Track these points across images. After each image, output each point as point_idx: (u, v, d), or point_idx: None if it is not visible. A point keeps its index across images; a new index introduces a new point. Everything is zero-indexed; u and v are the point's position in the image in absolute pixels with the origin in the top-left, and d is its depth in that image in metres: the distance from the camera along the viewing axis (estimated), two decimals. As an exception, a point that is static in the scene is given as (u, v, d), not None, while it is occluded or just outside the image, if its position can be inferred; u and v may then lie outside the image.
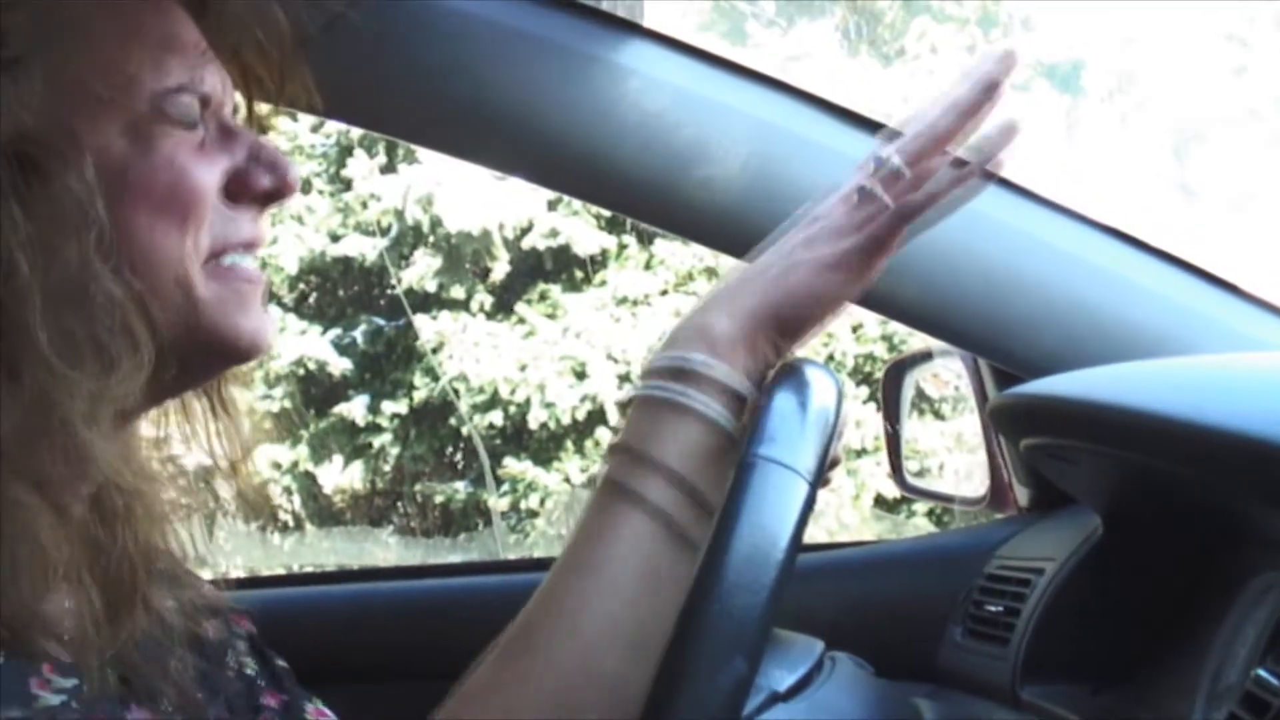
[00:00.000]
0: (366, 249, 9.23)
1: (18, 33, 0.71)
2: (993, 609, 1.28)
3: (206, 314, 0.76)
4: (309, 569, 8.51)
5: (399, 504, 9.71)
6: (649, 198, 1.21)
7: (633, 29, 1.18)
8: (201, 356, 0.78)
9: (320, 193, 9.34)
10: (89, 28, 0.74)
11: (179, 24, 0.78)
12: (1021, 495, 1.44)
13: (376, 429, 9.14)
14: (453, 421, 9.14)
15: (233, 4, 0.81)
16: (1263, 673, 0.75)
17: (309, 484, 9.20)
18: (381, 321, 9.29)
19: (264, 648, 0.90)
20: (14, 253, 0.67)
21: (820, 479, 0.76)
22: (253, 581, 1.78)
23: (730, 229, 1.21)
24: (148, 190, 0.74)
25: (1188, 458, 0.84)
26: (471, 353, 8.96)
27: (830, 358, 8.53)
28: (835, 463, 0.85)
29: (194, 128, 0.77)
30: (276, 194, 0.81)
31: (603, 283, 9.19)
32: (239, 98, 0.86)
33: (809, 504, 0.74)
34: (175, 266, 0.75)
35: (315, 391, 8.94)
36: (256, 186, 0.80)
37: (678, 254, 8.99)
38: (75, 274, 0.69)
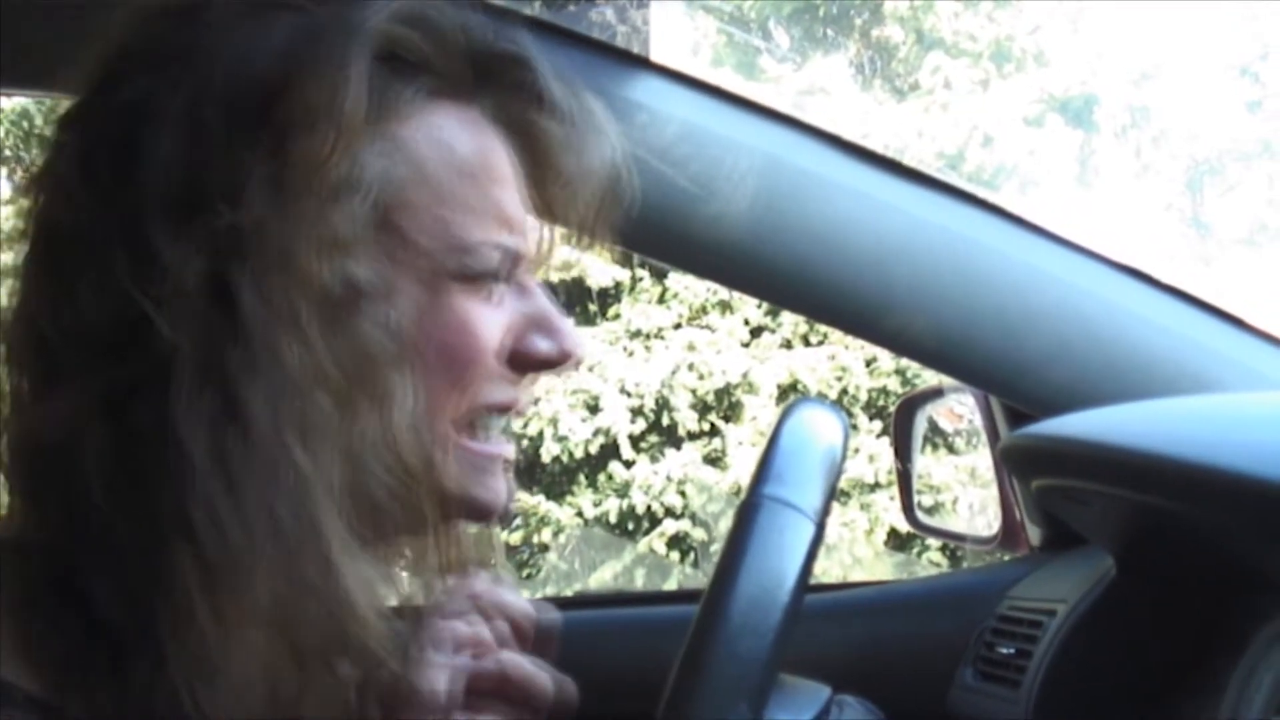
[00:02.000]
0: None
1: (367, 164, 0.69)
2: (1004, 651, 1.26)
3: (444, 476, 0.73)
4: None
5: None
6: (657, 234, 1.21)
7: (640, 63, 1.18)
8: (430, 508, 0.73)
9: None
10: (425, 168, 0.72)
11: (508, 183, 0.76)
12: (1034, 535, 1.42)
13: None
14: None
15: (573, 181, 0.79)
16: (1280, 722, 0.73)
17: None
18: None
19: None
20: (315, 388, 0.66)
21: (826, 516, 0.75)
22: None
23: (740, 265, 1.21)
24: (432, 342, 0.71)
25: (1200, 500, 0.83)
26: (484, 385, 8.95)
27: (844, 391, 8.52)
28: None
29: (494, 282, 0.75)
30: (552, 364, 0.78)
31: (616, 316, 9.20)
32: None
33: (815, 544, 0.72)
34: (433, 422, 0.72)
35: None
36: (534, 354, 0.77)
37: (691, 287, 9.00)
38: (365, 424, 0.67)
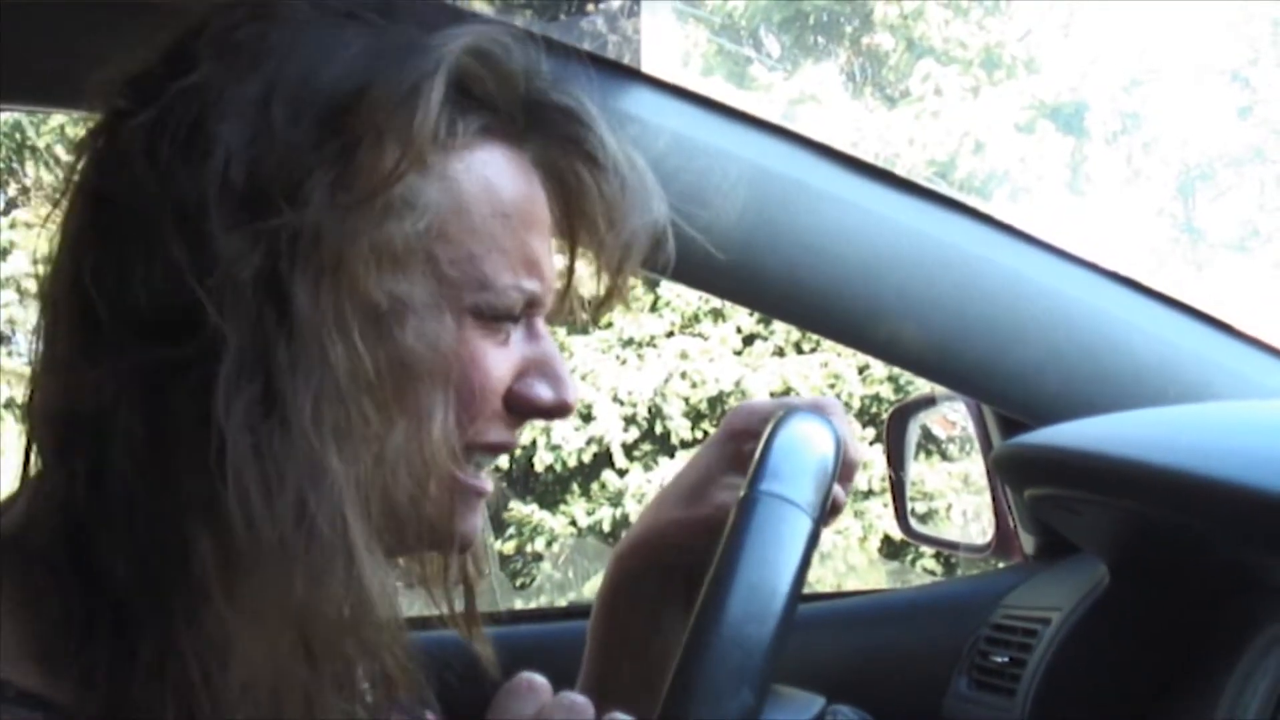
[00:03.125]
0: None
1: (425, 188, 0.70)
2: (999, 659, 1.26)
3: (430, 506, 0.73)
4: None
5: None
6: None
7: (630, 74, 1.18)
8: (411, 535, 0.75)
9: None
10: (467, 202, 0.73)
11: (542, 228, 0.77)
12: (1027, 543, 1.42)
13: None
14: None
15: (606, 238, 0.80)
16: (1274, 730, 0.73)
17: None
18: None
19: None
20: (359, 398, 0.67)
21: (823, 515, 0.76)
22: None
23: (731, 275, 1.21)
24: (443, 372, 0.72)
25: (1193, 508, 0.83)
26: (477, 395, 8.95)
27: (837, 399, 8.52)
28: (838, 508, 0.84)
29: (510, 324, 0.76)
30: (548, 412, 0.78)
31: (609, 324, 9.20)
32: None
33: (813, 538, 0.73)
34: (449, 450, 0.72)
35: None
36: (535, 400, 0.77)
37: (683, 295, 9.00)
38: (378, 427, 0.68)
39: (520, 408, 0.77)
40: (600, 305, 0.86)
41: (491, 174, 0.74)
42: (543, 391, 0.77)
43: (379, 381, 0.68)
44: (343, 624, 0.67)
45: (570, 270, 0.84)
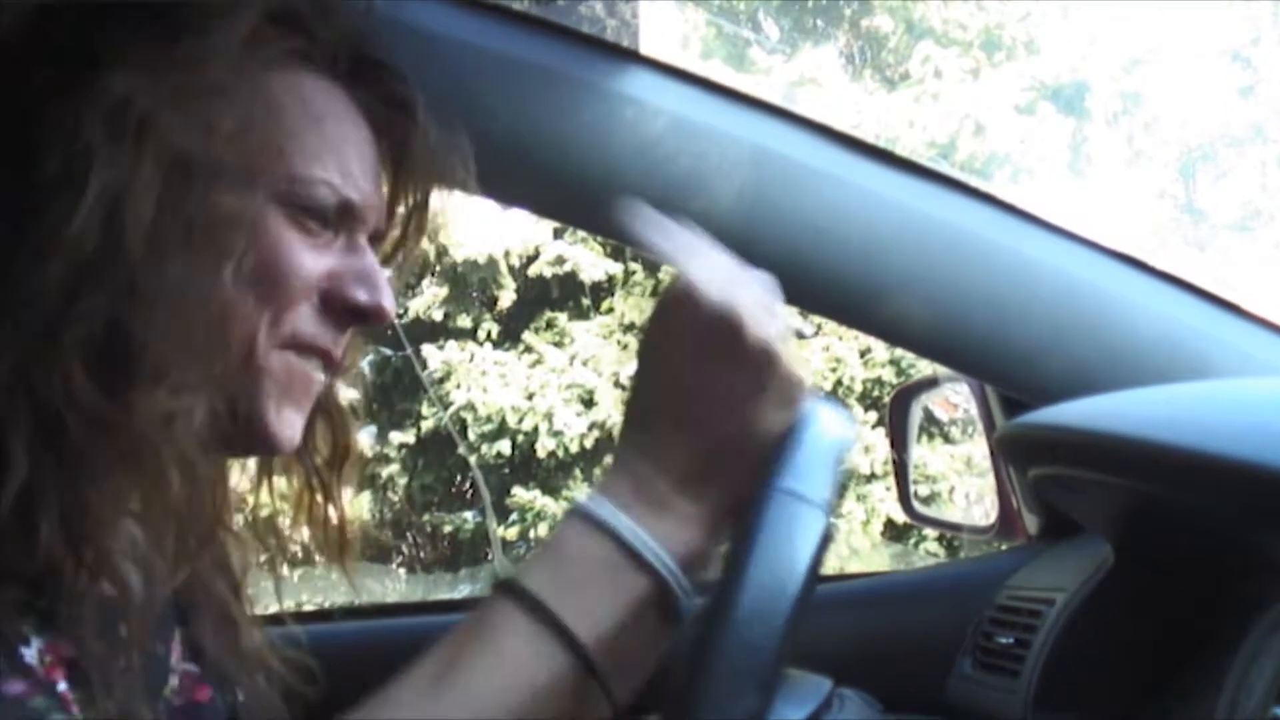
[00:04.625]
0: (373, 279, 9.23)
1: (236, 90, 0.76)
2: (1003, 640, 1.26)
3: (251, 391, 0.78)
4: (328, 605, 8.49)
5: (408, 534, 9.69)
6: (648, 227, 1.20)
7: (629, 56, 1.17)
8: (229, 431, 0.78)
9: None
10: (280, 109, 0.79)
11: (355, 145, 0.83)
12: (1031, 523, 1.42)
13: (384, 459, 9.13)
14: (461, 450, 9.14)
15: (421, 163, 0.88)
16: (1280, 710, 0.73)
17: (317, 515, 9.18)
18: (389, 351, 9.31)
19: None
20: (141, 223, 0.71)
21: (834, 511, 0.75)
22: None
23: (732, 258, 1.20)
24: (250, 256, 0.76)
25: (1197, 486, 0.83)
26: (479, 381, 8.95)
27: (839, 382, 8.52)
28: None
29: (322, 223, 0.80)
30: (365, 314, 0.82)
31: (610, 310, 9.20)
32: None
33: (826, 536, 0.73)
34: (249, 332, 0.77)
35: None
36: (350, 298, 0.81)
37: (684, 280, 8.98)
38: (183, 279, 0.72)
39: (334, 305, 0.81)
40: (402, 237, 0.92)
41: (305, 90, 0.81)
42: (359, 293, 0.82)
43: (183, 237, 0.72)
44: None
45: (391, 203, 0.89)
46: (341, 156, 0.81)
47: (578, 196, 1.19)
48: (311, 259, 0.79)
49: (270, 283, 0.77)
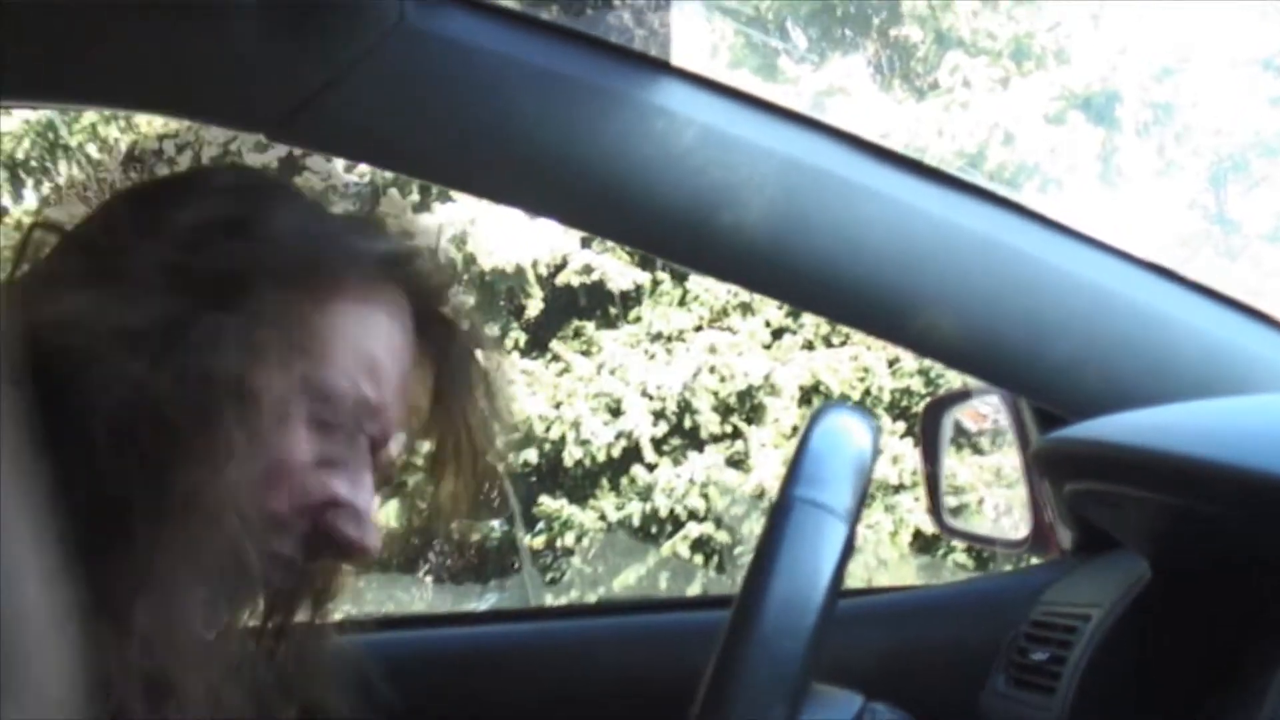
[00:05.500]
0: (401, 288, 9.26)
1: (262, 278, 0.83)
2: (1037, 657, 1.25)
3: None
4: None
5: (434, 542, 9.70)
6: (678, 238, 1.20)
7: (659, 66, 1.16)
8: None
9: (355, 233, 9.40)
10: (326, 312, 0.87)
11: (392, 355, 0.92)
12: (1065, 538, 1.41)
13: (411, 467, 9.14)
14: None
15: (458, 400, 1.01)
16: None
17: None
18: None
19: None
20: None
21: (858, 520, 0.74)
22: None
23: (761, 268, 1.20)
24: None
25: (1236, 502, 0.82)
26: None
27: (867, 392, 8.49)
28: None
29: (333, 431, 0.87)
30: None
31: (637, 319, 9.19)
32: None
33: (848, 546, 0.72)
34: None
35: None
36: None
37: (712, 289, 8.98)
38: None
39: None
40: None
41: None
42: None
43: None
44: None
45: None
46: (371, 369, 0.90)
47: (606, 207, 1.18)
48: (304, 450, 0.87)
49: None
